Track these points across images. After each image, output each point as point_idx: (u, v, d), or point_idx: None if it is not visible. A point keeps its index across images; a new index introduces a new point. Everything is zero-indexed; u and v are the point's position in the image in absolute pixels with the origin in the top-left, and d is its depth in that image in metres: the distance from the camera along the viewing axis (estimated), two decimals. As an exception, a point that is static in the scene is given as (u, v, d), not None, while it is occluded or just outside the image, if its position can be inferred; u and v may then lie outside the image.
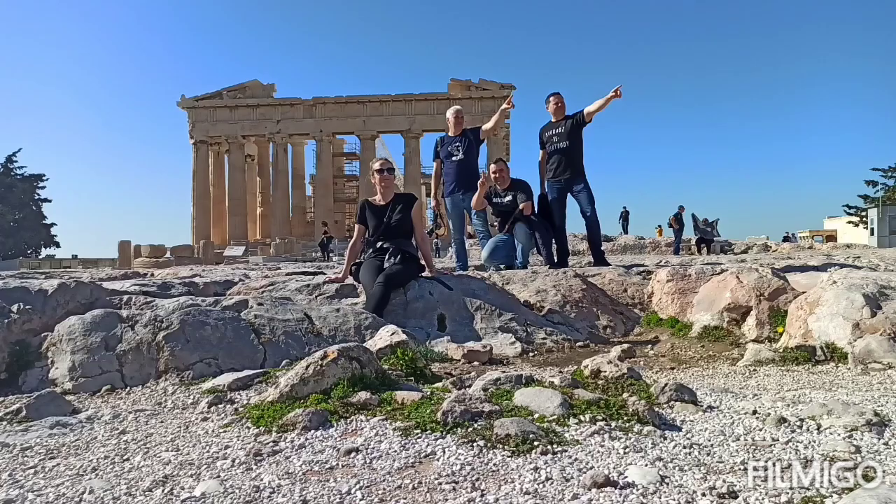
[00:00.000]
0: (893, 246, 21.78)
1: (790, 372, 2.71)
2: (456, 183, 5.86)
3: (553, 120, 5.84)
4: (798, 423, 1.73)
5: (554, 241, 5.90)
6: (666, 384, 2.06)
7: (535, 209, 5.81)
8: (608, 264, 5.81)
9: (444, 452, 1.55)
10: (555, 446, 1.55)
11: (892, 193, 41.92)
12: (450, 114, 5.97)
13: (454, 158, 5.86)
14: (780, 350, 3.10)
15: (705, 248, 20.05)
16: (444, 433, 1.69)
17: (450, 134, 5.99)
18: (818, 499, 1.24)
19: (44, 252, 43.81)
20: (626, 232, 27.61)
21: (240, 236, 37.96)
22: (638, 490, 1.29)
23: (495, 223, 6.11)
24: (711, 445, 1.58)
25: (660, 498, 1.25)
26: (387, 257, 4.10)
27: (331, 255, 23.96)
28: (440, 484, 1.37)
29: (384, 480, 1.41)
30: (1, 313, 3.03)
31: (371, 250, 4.25)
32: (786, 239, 30.86)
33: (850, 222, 41.11)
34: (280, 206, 39.60)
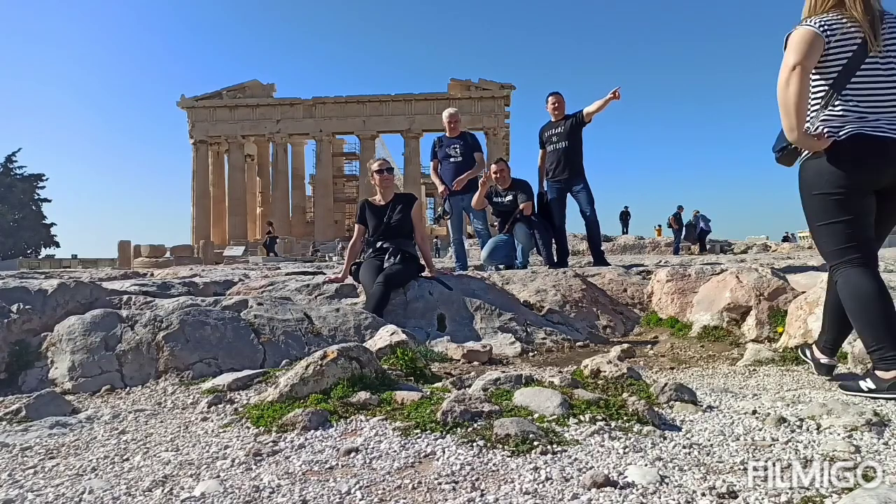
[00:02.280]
0: (893, 246, 21.76)
1: (790, 372, 2.71)
2: (456, 184, 5.87)
3: (553, 120, 5.85)
4: (798, 423, 1.73)
5: (554, 240, 5.90)
6: (666, 384, 2.06)
7: (535, 209, 5.81)
8: (608, 264, 5.81)
9: (443, 452, 1.55)
10: (554, 446, 1.55)
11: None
12: (445, 116, 5.99)
13: (452, 160, 5.88)
14: (780, 350, 3.10)
15: (699, 246, 20.12)
16: (444, 433, 1.69)
17: (447, 135, 5.99)
18: (818, 499, 1.25)
19: (43, 252, 43.81)
20: (625, 232, 27.60)
21: (240, 236, 37.95)
22: (638, 490, 1.29)
23: (495, 223, 6.11)
24: (711, 445, 1.58)
25: (659, 498, 1.25)
26: (386, 257, 4.10)
27: (276, 255, 23.68)
28: (440, 484, 1.37)
29: (384, 480, 1.41)
30: (1, 313, 3.03)
31: (371, 250, 4.25)
32: (785, 239, 30.85)
33: (849, 222, 41.03)
34: (280, 206, 39.60)
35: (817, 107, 2.20)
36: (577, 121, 5.69)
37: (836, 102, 2.16)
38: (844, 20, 2.16)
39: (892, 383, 2.00)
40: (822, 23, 2.16)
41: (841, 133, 2.14)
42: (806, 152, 2.24)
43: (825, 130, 2.15)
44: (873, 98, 2.14)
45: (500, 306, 3.94)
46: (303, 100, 39.23)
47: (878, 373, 2.06)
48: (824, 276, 3.71)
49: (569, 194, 5.86)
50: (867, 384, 2.09)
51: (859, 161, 2.12)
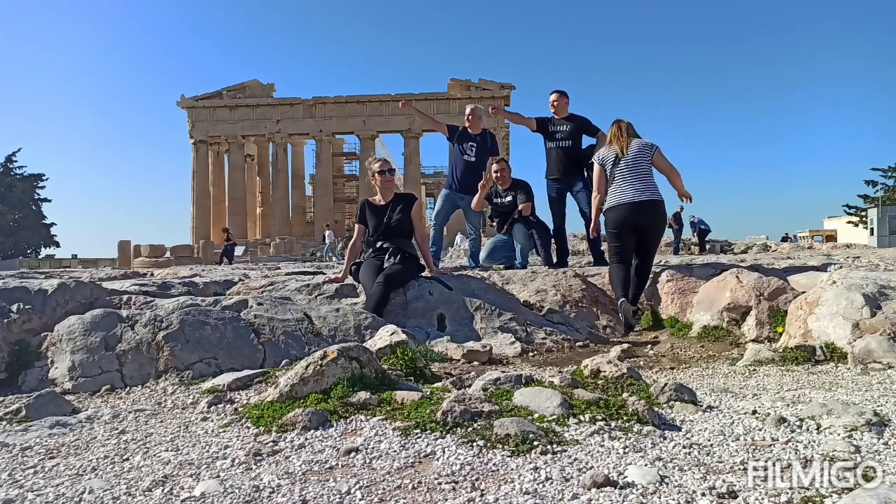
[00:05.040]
0: (893, 246, 21.78)
1: (790, 372, 2.71)
2: (459, 183, 5.84)
3: (556, 117, 5.76)
4: (798, 423, 1.73)
5: (554, 241, 5.88)
6: (666, 384, 2.06)
7: (545, 200, 5.80)
8: (608, 264, 5.79)
9: (443, 452, 1.55)
10: (554, 446, 1.55)
11: (892, 193, 41.90)
12: (467, 111, 5.95)
13: (465, 158, 5.82)
14: (780, 350, 3.10)
15: (699, 246, 20.28)
16: (444, 433, 1.69)
17: (470, 130, 5.93)
18: (818, 499, 1.25)
19: (44, 252, 43.77)
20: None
21: (240, 236, 37.90)
22: (638, 490, 1.29)
23: (494, 223, 6.10)
24: (711, 445, 1.58)
25: (659, 498, 1.25)
26: (386, 257, 4.10)
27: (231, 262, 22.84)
28: (440, 484, 1.37)
29: (384, 480, 1.41)
30: (1, 313, 3.03)
31: (371, 250, 4.25)
32: (785, 239, 30.85)
33: (849, 222, 41.05)
34: (280, 206, 39.59)
35: (609, 187, 4.24)
36: (584, 128, 5.62)
37: (612, 187, 4.20)
38: (612, 150, 4.25)
39: (623, 309, 4.06)
40: (601, 158, 4.29)
41: (613, 201, 4.18)
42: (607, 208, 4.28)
43: (609, 201, 4.23)
44: (625, 183, 4.14)
45: (500, 306, 3.94)
46: (303, 100, 39.21)
47: (620, 301, 4.04)
48: (824, 276, 3.71)
49: (568, 194, 5.83)
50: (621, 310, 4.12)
51: (618, 216, 4.14)
